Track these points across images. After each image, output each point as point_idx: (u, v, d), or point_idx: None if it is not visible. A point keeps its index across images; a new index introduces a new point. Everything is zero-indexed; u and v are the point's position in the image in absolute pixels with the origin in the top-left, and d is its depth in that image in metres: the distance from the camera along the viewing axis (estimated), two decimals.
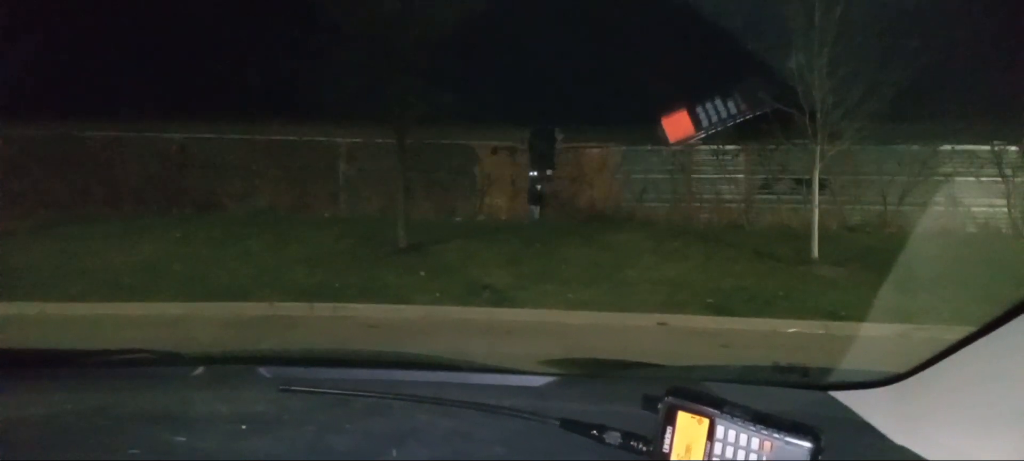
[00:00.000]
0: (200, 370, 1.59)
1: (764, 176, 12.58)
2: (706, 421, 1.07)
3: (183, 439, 1.26)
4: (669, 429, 1.09)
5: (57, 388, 1.50)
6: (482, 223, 12.37)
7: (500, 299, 7.73)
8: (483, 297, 7.80)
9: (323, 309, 7.28)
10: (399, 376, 1.58)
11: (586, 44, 11.87)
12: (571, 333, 6.66)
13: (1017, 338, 1.06)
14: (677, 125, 1.23)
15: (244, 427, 1.31)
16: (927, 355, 1.23)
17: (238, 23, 10.37)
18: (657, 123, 1.25)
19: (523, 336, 6.51)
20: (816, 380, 1.65)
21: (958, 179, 11.38)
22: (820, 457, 1.02)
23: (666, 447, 1.09)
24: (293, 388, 1.41)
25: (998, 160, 10.99)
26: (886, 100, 9.11)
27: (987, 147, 11.08)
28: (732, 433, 1.05)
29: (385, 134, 10.83)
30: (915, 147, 11.57)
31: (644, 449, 1.12)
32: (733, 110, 1.24)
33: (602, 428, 1.17)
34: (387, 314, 7.30)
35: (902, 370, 1.30)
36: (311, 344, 6.09)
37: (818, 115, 9.18)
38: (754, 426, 1.05)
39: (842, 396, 1.42)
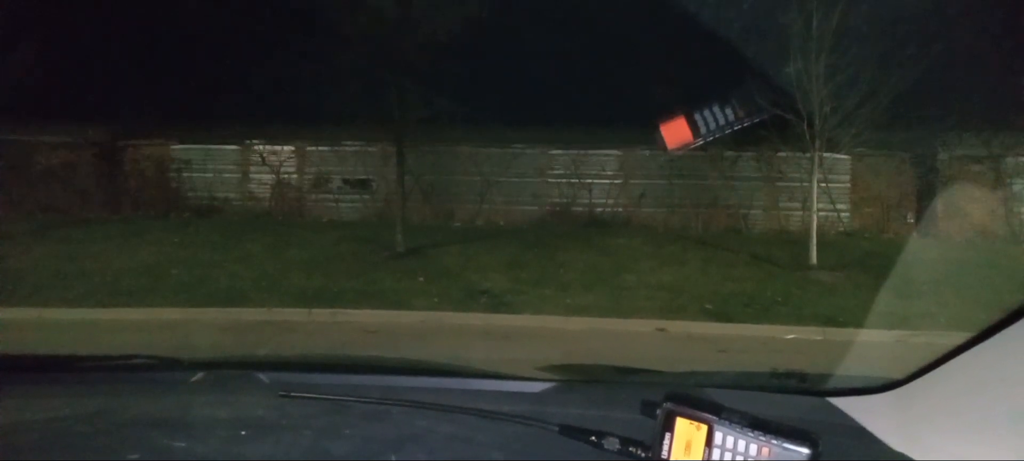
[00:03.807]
0: (199, 375, 1.59)
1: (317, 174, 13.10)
2: (704, 427, 1.07)
3: (182, 444, 1.26)
4: (668, 435, 1.09)
5: (57, 393, 1.50)
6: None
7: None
8: None
9: None
10: (398, 381, 1.58)
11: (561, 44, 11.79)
12: None
13: (1014, 344, 1.07)
14: (675, 132, 1.24)
15: (243, 432, 1.31)
16: (924, 361, 1.24)
17: None
18: (656, 129, 1.26)
19: None
20: (814, 386, 1.66)
21: (956, 186, 11.42)
22: None
23: (665, 453, 1.09)
24: (292, 394, 1.41)
25: (995, 166, 11.02)
26: (883, 106, 9.15)
27: (985, 154, 11.12)
28: (730, 439, 1.06)
29: None
30: (912, 154, 11.61)
31: (643, 455, 1.13)
32: (730, 117, 1.24)
33: (601, 434, 1.17)
34: None
35: (900, 376, 1.31)
36: None
37: (816, 120, 9.21)
38: (752, 432, 1.05)
39: (840, 402, 1.42)
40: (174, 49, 11.15)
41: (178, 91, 11.36)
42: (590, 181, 12.82)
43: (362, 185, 13.19)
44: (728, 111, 1.24)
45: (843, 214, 11.96)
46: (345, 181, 13.23)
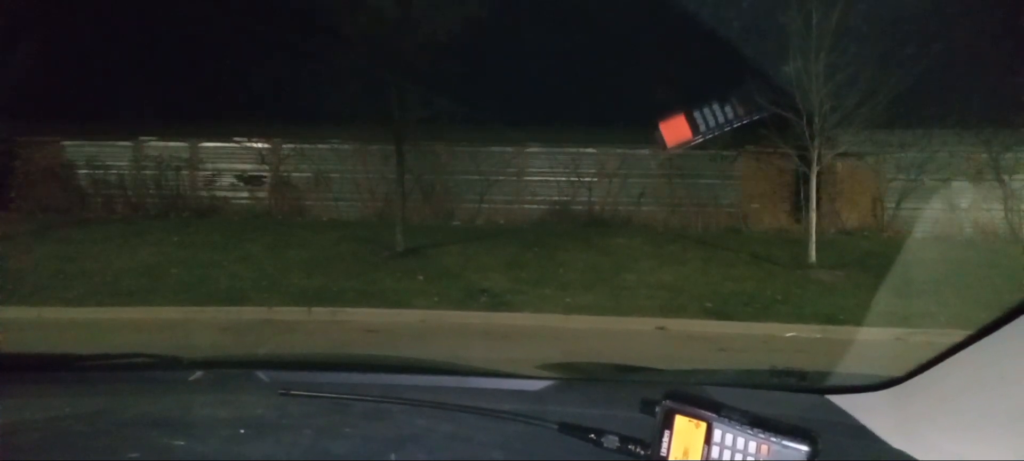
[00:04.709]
0: (199, 374, 1.59)
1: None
2: (704, 425, 1.08)
3: (182, 443, 1.26)
4: (667, 433, 1.10)
5: (57, 392, 1.50)
6: None
7: None
8: None
9: None
10: (398, 380, 1.58)
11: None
12: None
13: (1013, 342, 1.07)
14: (675, 130, 1.24)
15: (243, 431, 1.31)
16: (923, 359, 1.24)
17: None
18: (655, 128, 1.26)
19: None
20: (813, 384, 1.66)
21: (954, 183, 11.42)
22: (817, 460, 1.03)
23: (664, 451, 1.09)
24: (292, 392, 1.41)
25: (995, 164, 11.03)
26: (883, 105, 9.16)
27: (985, 155, 11.12)
28: (730, 436, 1.06)
29: None
30: (912, 152, 11.61)
31: (642, 453, 1.13)
32: (730, 115, 1.25)
33: (600, 432, 1.17)
34: None
35: (899, 374, 1.31)
36: None
37: (816, 119, 9.22)
38: (751, 429, 1.05)
39: (839, 400, 1.42)
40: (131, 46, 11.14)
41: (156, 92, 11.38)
42: (590, 180, 12.81)
43: (254, 181, 13.50)
44: (727, 109, 1.24)
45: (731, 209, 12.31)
46: (238, 178, 13.46)
